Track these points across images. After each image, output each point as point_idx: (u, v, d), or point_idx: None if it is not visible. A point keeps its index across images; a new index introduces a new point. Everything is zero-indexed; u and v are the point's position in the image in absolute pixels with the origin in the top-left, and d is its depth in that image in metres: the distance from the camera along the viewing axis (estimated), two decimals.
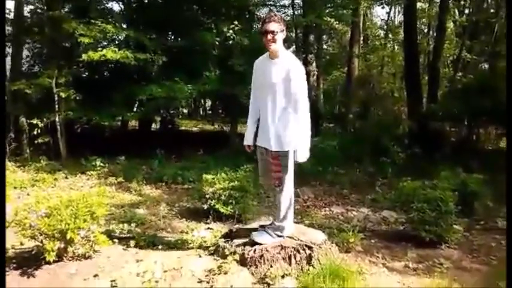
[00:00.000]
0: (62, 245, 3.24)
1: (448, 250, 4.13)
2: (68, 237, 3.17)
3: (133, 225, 4.40)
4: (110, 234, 3.92)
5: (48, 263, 3.15)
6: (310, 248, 3.30)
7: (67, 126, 9.41)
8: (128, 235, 4.09)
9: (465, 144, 10.69)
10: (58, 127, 8.89)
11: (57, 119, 8.85)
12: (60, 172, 7.51)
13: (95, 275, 3.09)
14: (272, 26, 3.04)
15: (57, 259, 3.22)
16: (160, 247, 3.73)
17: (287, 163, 3.18)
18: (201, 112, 22.57)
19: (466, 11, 16.88)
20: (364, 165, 8.34)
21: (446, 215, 4.16)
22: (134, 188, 6.64)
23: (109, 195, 5.79)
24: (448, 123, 11.02)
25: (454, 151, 9.54)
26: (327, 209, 5.98)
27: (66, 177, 7.31)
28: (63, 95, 8.65)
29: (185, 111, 18.76)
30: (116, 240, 3.81)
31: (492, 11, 16.54)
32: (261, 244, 3.28)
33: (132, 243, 3.75)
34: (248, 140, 3.44)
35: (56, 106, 8.80)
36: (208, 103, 20.74)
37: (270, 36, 3.05)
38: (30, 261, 3.23)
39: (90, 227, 3.35)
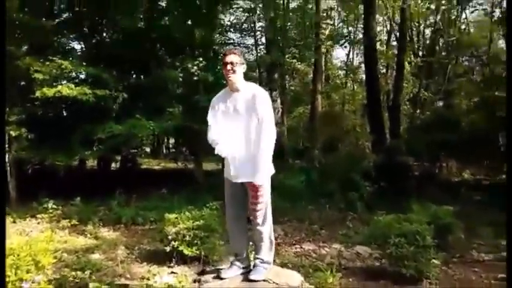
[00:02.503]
0: None
1: (430, 286, 3.93)
2: None
3: (87, 272, 3.93)
4: (60, 284, 3.48)
5: None
6: None
7: (17, 167, 8.74)
8: (82, 284, 3.62)
9: (429, 177, 10.90)
10: (8, 168, 8.24)
11: (6, 159, 8.21)
12: (8, 216, 6.84)
13: None
14: (231, 58, 3.06)
15: None
16: None
17: (267, 191, 3.08)
18: (164, 150, 22.07)
19: (420, 53, 17.99)
20: (334, 200, 8.19)
21: (425, 249, 3.99)
22: (89, 231, 6.10)
23: (61, 240, 5.32)
24: (411, 158, 11.23)
25: (419, 184, 9.64)
26: (298, 246, 5.70)
27: (14, 222, 6.68)
28: (13, 133, 8.08)
29: (147, 149, 18.23)
30: None
31: (443, 53, 17.98)
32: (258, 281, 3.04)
33: None
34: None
35: (6, 145, 8.19)
36: (172, 141, 20.34)
37: (229, 67, 3.05)
38: None
39: (35, 278, 2.93)
